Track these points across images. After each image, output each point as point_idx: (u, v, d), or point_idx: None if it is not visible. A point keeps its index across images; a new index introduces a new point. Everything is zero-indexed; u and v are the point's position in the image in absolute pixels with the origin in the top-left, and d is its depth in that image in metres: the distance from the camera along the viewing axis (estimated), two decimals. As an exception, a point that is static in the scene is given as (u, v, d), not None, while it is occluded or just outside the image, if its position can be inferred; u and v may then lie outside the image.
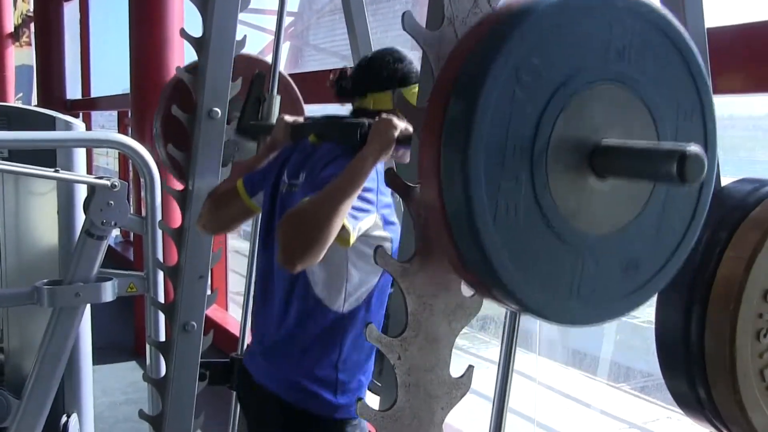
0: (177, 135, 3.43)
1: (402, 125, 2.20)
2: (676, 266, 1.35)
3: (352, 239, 2.21)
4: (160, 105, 3.85)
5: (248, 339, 3.43)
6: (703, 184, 1.27)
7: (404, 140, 2.17)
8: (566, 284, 1.24)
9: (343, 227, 2.15)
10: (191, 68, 3.35)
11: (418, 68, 2.31)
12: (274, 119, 3.41)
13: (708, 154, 1.27)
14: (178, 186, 3.45)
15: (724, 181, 1.74)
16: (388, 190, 2.38)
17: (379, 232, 2.35)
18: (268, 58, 3.77)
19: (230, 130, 3.33)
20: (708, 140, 1.31)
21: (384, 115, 2.26)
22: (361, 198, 2.22)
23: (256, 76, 3.48)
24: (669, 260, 1.33)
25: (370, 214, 2.27)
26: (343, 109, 2.67)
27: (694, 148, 1.07)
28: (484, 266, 1.18)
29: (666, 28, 1.24)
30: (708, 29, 1.79)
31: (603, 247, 1.26)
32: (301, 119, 2.81)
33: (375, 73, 2.52)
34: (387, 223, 2.36)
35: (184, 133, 3.31)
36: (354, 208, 2.19)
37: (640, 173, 1.20)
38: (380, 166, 2.27)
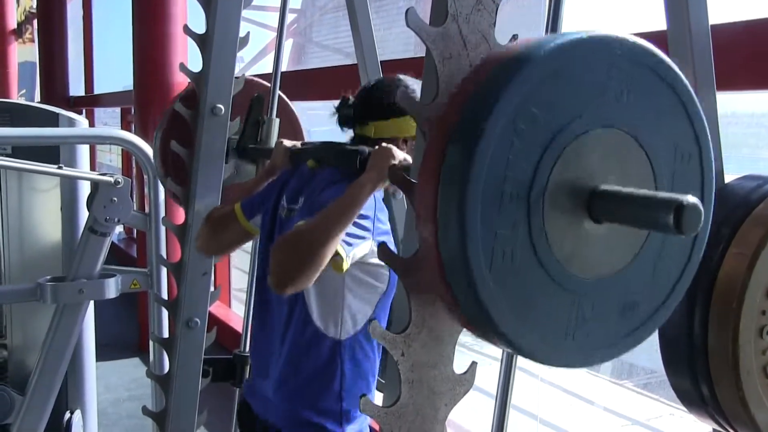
0: (178, 168, 3.44)
1: (401, 155, 2.19)
2: (672, 306, 1.35)
3: (346, 265, 2.20)
4: (156, 139, 3.82)
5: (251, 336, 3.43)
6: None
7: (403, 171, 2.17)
8: (562, 328, 1.24)
9: (337, 253, 2.14)
10: (188, 96, 3.34)
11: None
12: (273, 142, 3.42)
13: (704, 198, 1.28)
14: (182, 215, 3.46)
15: (727, 178, 1.74)
16: (386, 218, 2.37)
17: (376, 260, 2.34)
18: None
19: (232, 128, 3.33)
20: (704, 184, 1.30)
21: (384, 144, 2.26)
22: (356, 225, 2.21)
23: (255, 98, 3.49)
24: (666, 300, 1.33)
25: (365, 241, 2.26)
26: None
27: (691, 199, 1.07)
28: (479, 313, 1.18)
29: (664, 72, 1.23)
30: (711, 26, 1.79)
31: (599, 290, 1.26)
32: (299, 144, 2.82)
33: (377, 101, 2.50)
34: None
35: (183, 165, 3.31)
36: (349, 234, 2.18)
37: (637, 221, 1.20)
38: (378, 194, 2.27)
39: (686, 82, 1.26)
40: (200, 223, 2.89)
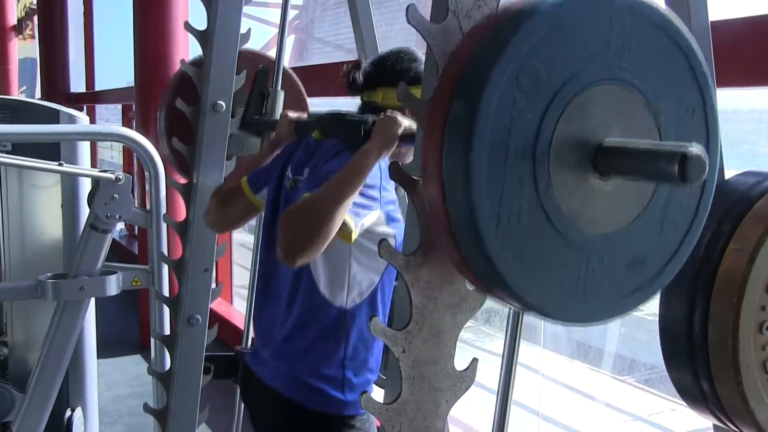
0: (181, 129, 3.43)
1: (406, 122, 2.19)
2: (681, 262, 1.35)
3: (354, 235, 2.21)
4: (164, 99, 3.84)
5: (253, 333, 3.43)
6: (705, 180, 1.27)
7: (408, 137, 2.17)
8: (571, 283, 1.24)
9: (345, 223, 2.15)
10: (197, 62, 3.35)
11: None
12: (277, 114, 3.40)
13: (710, 150, 1.28)
14: (183, 179, 3.45)
15: (728, 174, 1.74)
16: (392, 186, 2.38)
17: (383, 229, 2.34)
18: (272, 53, 3.76)
19: (234, 124, 3.33)
20: (710, 136, 1.31)
21: (389, 112, 2.25)
22: (363, 194, 2.22)
23: (259, 71, 3.47)
24: (673, 256, 1.34)
25: (372, 210, 2.27)
26: (349, 105, 2.66)
27: (695, 148, 1.07)
28: (488, 269, 1.19)
29: (665, 24, 1.24)
30: (711, 23, 1.79)
31: (607, 245, 1.26)
32: (304, 115, 2.81)
33: (388, 68, 2.51)
34: (390, 219, 2.35)
35: (188, 127, 3.31)
36: (356, 204, 2.19)
37: (643, 173, 1.20)
38: (383, 163, 2.27)
39: (688, 32, 1.26)
40: (208, 199, 2.89)
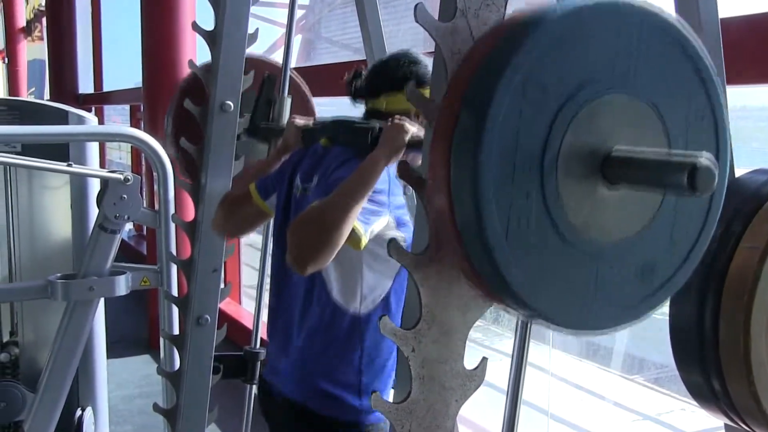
0: (190, 133, 3.43)
1: (413, 129, 2.19)
2: (691, 267, 1.35)
3: (364, 242, 2.21)
4: (172, 103, 3.84)
5: (262, 332, 3.43)
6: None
7: (415, 144, 2.17)
8: (581, 292, 1.24)
9: (354, 230, 2.15)
10: (206, 66, 3.35)
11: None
12: (284, 121, 3.41)
13: (719, 157, 1.27)
14: (189, 181, 3.44)
15: (738, 172, 1.73)
16: (400, 191, 2.38)
17: (393, 233, 2.34)
18: (279, 56, 3.76)
19: (240, 125, 3.32)
20: (719, 144, 1.30)
21: (396, 119, 2.25)
22: (372, 200, 2.22)
23: (266, 78, 3.47)
24: (684, 262, 1.33)
25: (381, 216, 2.27)
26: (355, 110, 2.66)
27: (704, 159, 1.07)
28: (496, 279, 1.19)
29: (673, 33, 1.23)
30: (721, 19, 1.78)
31: (617, 253, 1.26)
32: (311, 122, 2.81)
33: (389, 73, 2.49)
34: (400, 224, 2.35)
35: (196, 131, 3.30)
36: (365, 210, 2.19)
37: (652, 183, 1.20)
38: (391, 169, 2.27)
39: (695, 40, 1.26)
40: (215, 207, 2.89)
